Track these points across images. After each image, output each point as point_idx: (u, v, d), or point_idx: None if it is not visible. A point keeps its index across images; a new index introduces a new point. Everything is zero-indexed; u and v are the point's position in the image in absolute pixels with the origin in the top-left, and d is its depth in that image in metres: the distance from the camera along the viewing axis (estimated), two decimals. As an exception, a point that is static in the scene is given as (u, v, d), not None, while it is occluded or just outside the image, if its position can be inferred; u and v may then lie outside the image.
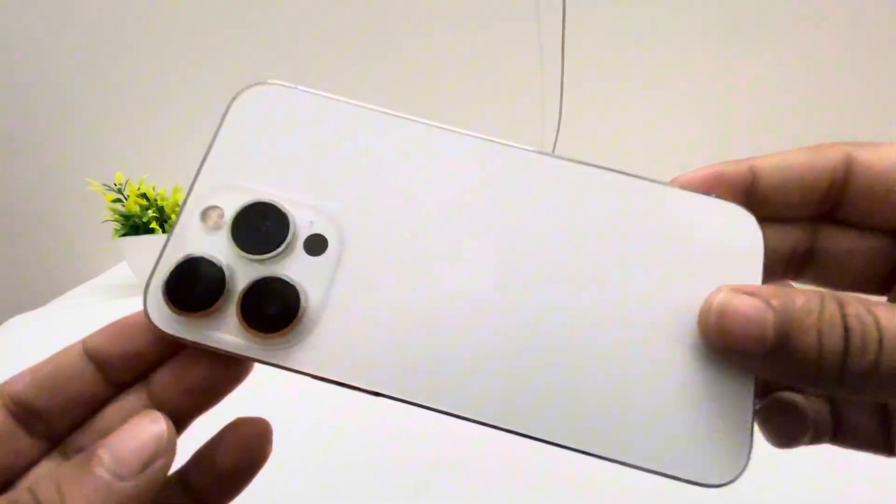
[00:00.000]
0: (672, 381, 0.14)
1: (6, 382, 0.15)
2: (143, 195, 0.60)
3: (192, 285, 0.14)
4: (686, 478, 0.14)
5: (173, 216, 0.61)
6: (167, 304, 0.14)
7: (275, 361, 0.14)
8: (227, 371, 0.15)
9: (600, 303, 0.15)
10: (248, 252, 0.14)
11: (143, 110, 0.87)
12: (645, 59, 0.85)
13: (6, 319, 0.54)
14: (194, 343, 0.14)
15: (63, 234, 0.93)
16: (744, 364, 0.14)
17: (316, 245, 0.15)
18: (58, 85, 0.85)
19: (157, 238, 0.59)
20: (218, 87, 0.86)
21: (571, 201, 0.15)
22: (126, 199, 0.60)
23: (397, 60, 0.84)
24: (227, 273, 0.14)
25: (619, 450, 0.14)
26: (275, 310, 0.14)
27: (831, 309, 0.12)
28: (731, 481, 0.14)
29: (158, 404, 0.15)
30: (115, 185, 0.60)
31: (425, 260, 0.15)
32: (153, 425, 0.13)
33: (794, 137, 0.89)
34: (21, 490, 0.12)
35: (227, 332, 0.14)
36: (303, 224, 0.15)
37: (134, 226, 0.60)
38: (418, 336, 0.15)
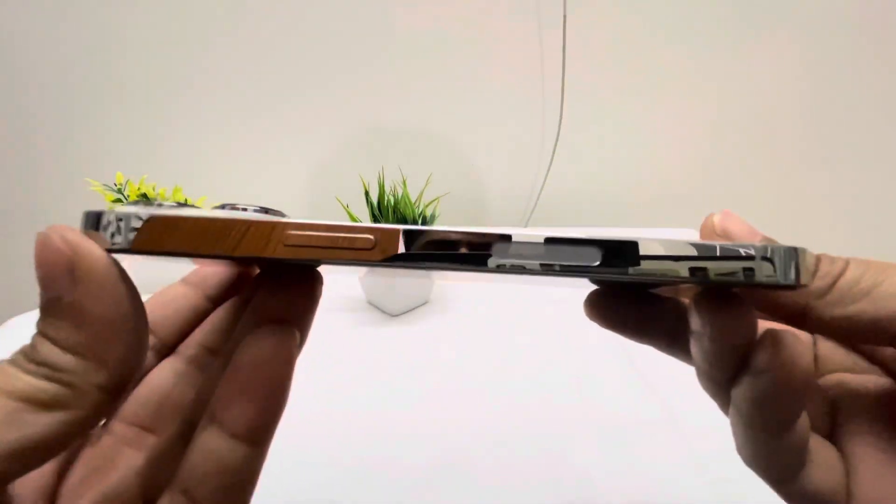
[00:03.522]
0: None
1: None
2: (144, 195, 0.60)
3: None
4: None
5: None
6: None
7: None
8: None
9: None
10: None
11: (143, 110, 0.87)
12: (646, 60, 0.85)
13: (6, 319, 0.54)
14: None
15: (63, 234, 0.93)
16: None
17: None
18: (58, 85, 0.85)
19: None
20: (218, 86, 0.86)
21: None
22: (126, 199, 0.60)
23: (398, 63, 0.84)
24: None
25: None
26: None
27: None
28: None
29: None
30: (115, 185, 0.60)
31: None
32: None
33: (793, 139, 0.89)
34: None
35: None
36: None
37: (134, 226, 0.60)
38: None
